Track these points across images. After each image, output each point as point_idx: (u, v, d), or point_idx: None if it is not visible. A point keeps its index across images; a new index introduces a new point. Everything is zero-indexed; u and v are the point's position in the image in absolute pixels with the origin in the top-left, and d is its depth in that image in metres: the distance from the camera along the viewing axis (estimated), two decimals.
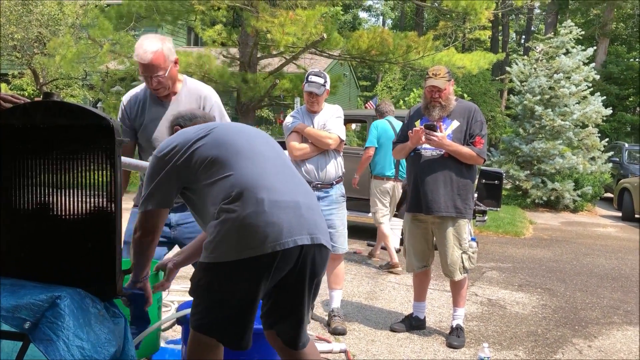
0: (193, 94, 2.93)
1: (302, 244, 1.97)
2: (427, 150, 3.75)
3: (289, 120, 4.05)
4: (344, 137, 3.97)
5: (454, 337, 3.82)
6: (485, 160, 3.86)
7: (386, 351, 3.62)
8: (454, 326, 3.89)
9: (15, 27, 12.41)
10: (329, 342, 3.63)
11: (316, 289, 2.16)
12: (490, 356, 3.19)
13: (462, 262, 3.77)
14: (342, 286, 4.13)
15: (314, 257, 2.04)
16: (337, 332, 3.84)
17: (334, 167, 3.94)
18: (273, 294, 2.10)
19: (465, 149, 3.69)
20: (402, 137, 3.98)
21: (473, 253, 3.82)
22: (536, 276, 6.05)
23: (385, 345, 3.72)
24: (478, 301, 4.94)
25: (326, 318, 4.10)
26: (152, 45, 2.70)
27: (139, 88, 2.96)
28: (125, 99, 2.97)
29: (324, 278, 4.07)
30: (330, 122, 3.94)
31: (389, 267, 5.99)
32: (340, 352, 3.49)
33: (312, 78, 3.92)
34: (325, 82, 3.92)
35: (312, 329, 3.92)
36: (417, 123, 3.85)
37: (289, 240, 1.95)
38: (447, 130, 3.72)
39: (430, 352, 3.64)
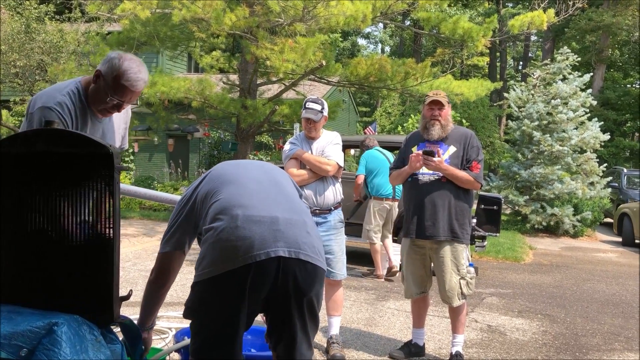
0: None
1: (275, 255, 1.94)
2: (425, 175, 3.77)
3: (287, 147, 4.09)
4: (342, 164, 4.00)
5: None
6: (482, 185, 3.87)
7: None
8: (453, 353, 3.86)
9: (17, 55, 12.54)
10: None
11: (310, 308, 2.07)
12: None
13: (461, 288, 3.75)
14: (340, 313, 4.11)
15: (297, 273, 1.99)
16: (335, 359, 3.81)
17: (333, 193, 3.96)
18: (267, 314, 2.12)
19: (463, 173, 3.71)
20: (399, 163, 4.00)
21: (471, 279, 3.80)
22: (536, 302, 6.02)
23: None
24: (478, 327, 4.91)
25: (325, 345, 4.07)
26: (145, 74, 2.43)
27: (63, 96, 2.42)
28: (57, 106, 2.37)
29: (322, 304, 4.07)
30: (328, 148, 3.97)
31: (374, 276, 6.85)
32: None
33: (310, 105, 3.97)
34: (323, 108, 3.97)
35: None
36: (414, 149, 3.87)
37: (261, 253, 1.93)
38: (444, 155, 3.75)
39: None
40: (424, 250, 3.85)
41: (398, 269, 6.87)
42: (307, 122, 3.98)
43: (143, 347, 2.27)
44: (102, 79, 2.38)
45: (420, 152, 3.71)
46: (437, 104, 3.77)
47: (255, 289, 1.96)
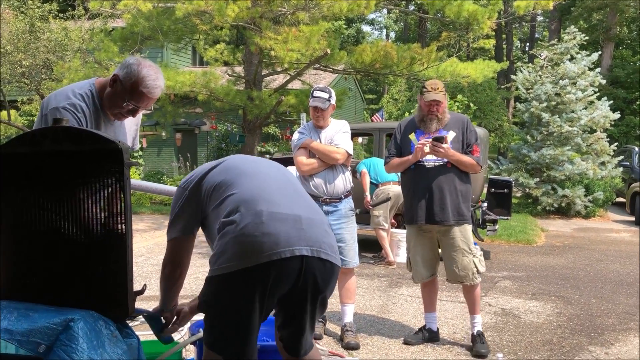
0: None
1: (300, 254, 1.95)
2: (430, 162, 3.80)
3: (296, 136, 4.10)
4: (351, 152, 4.00)
5: (480, 344, 3.80)
6: (482, 167, 3.96)
7: None
8: (475, 333, 3.88)
9: (23, 54, 12.58)
10: (342, 357, 3.62)
11: (322, 304, 2.14)
12: None
13: (475, 266, 3.80)
14: (354, 300, 4.12)
15: (317, 271, 2.02)
16: (350, 347, 3.83)
17: (342, 181, 3.95)
18: (280, 306, 2.12)
19: (467, 158, 3.80)
20: (395, 151, 3.99)
21: (480, 256, 3.87)
22: (550, 284, 6.00)
23: (399, 359, 3.70)
24: (492, 311, 4.90)
25: (339, 333, 4.09)
26: (162, 81, 2.42)
27: (77, 98, 2.40)
28: (71, 107, 2.35)
29: (336, 292, 4.08)
30: (337, 137, 3.97)
31: (385, 263, 6.88)
32: None
33: (317, 93, 3.98)
34: (330, 97, 3.97)
35: (325, 344, 3.91)
36: (412, 136, 3.90)
37: (286, 250, 1.94)
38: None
39: None
40: (432, 234, 3.90)
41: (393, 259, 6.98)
42: (315, 111, 3.98)
43: (163, 321, 2.31)
44: (119, 83, 2.35)
45: (430, 140, 3.74)
46: (436, 102, 3.81)
47: (277, 286, 1.96)
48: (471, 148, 3.83)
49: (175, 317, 2.32)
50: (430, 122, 3.83)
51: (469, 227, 3.86)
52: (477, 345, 3.79)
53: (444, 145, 3.69)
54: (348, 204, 4.00)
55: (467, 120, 3.93)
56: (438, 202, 3.75)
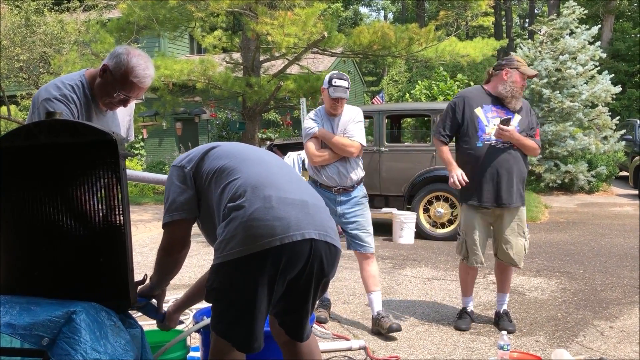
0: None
1: (309, 237, 1.95)
2: (499, 142, 3.72)
3: (308, 124, 3.94)
4: (365, 144, 3.90)
5: (507, 322, 3.84)
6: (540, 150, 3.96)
7: (406, 345, 3.62)
8: (502, 312, 3.92)
9: (20, 49, 12.55)
10: (347, 339, 3.64)
11: (323, 288, 2.15)
12: (509, 343, 3.18)
13: (525, 250, 3.82)
14: (380, 287, 3.97)
15: (323, 255, 2.02)
16: (394, 330, 3.70)
17: (355, 170, 3.89)
18: (285, 291, 2.10)
19: (531, 142, 3.74)
20: (451, 132, 3.87)
21: (527, 239, 3.89)
22: (554, 260, 6.01)
23: (405, 339, 3.72)
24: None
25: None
26: (152, 70, 2.40)
27: (68, 90, 2.39)
28: (63, 97, 2.36)
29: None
30: (351, 127, 3.85)
31: None
32: (359, 348, 3.49)
33: (337, 82, 3.78)
34: (349, 83, 3.85)
35: (331, 328, 3.93)
36: (479, 111, 3.79)
37: (297, 234, 1.93)
38: (514, 122, 3.73)
39: (450, 343, 3.64)
40: (489, 217, 3.84)
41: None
42: (335, 101, 3.82)
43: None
44: (109, 73, 2.33)
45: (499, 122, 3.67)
46: (529, 77, 3.77)
47: (288, 269, 1.96)
48: (534, 131, 3.77)
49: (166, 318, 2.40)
50: (519, 99, 3.75)
51: (524, 210, 3.83)
52: (504, 323, 3.82)
53: (509, 128, 3.61)
54: (361, 190, 3.94)
55: (528, 103, 3.90)
56: (506, 184, 3.69)
